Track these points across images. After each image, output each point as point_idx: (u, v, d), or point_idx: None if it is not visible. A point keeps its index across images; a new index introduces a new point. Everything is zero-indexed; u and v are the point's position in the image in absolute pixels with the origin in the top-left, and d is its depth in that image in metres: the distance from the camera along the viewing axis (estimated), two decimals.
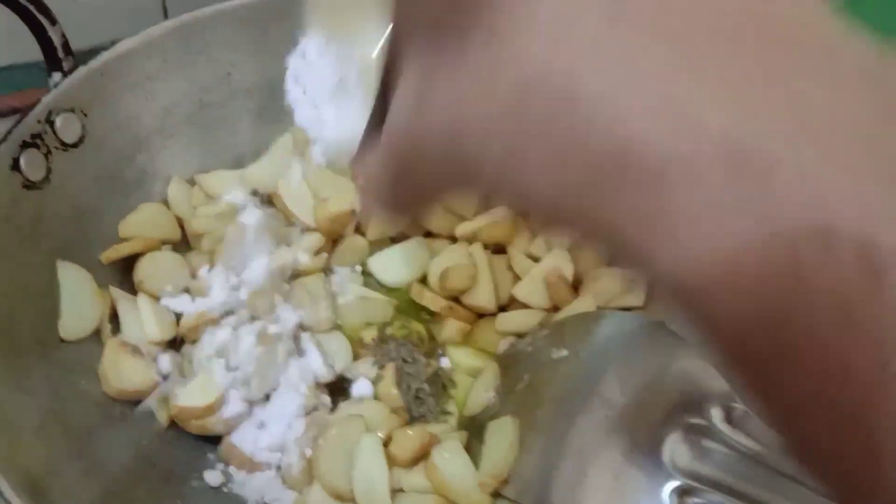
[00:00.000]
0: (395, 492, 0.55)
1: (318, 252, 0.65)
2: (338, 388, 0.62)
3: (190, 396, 0.55)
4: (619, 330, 0.57)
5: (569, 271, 0.67)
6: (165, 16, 1.04)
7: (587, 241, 0.23)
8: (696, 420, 0.46)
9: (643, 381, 0.50)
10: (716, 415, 0.46)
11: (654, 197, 0.19)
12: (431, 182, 0.26)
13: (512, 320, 0.67)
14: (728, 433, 0.45)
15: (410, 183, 0.26)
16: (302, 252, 0.64)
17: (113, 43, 0.62)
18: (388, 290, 0.70)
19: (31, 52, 0.60)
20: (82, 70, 0.59)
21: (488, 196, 0.26)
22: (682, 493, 0.45)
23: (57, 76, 0.59)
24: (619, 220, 0.20)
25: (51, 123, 0.57)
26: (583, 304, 0.63)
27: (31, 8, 0.56)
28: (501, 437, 0.54)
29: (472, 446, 0.57)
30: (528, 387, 0.58)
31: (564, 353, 0.57)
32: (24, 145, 0.55)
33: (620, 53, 0.20)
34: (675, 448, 0.46)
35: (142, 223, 0.63)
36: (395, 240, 0.71)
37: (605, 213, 0.21)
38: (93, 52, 0.61)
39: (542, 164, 0.21)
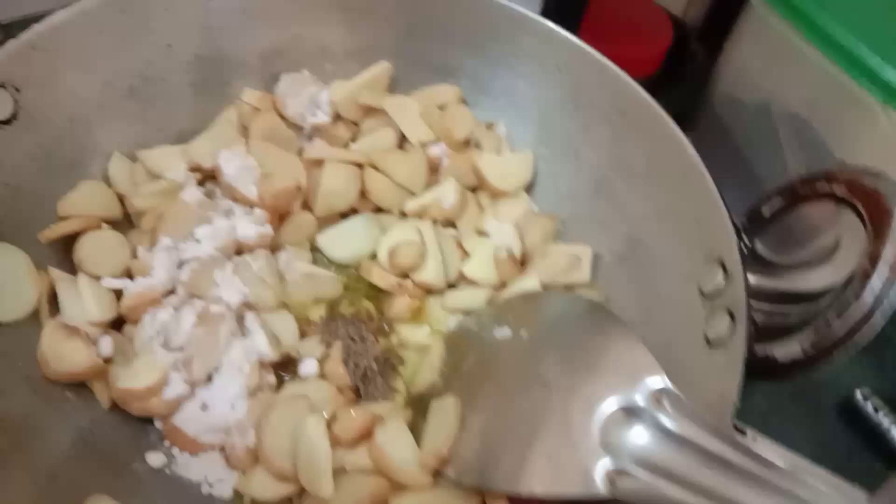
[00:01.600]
0: (338, 471, 0.55)
1: (263, 229, 0.65)
2: (284, 367, 0.62)
3: (131, 378, 0.55)
4: (561, 311, 0.57)
5: (517, 248, 0.68)
6: None
7: None
8: (629, 402, 0.47)
9: (581, 362, 0.51)
10: (647, 396, 0.47)
11: None
12: None
13: (460, 297, 0.67)
14: (660, 415, 0.46)
15: None
16: (246, 229, 0.64)
17: (44, 15, 0.59)
18: (337, 267, 0.70)
19: None
20: (12, 43, 0.57)
21: None
22: (614, 473, 0.45)
23: None
24: None
25: None
26: (528, 281, 0.64)
27: None
28: (443, 416, 0.55)
29: (418, 424, 0.58)
30: (472, 366, 0.58)
31: (507, 332, 0.58)
32: None
33: None
34: (609, 429, 0.47)
35: (81, 201, 0.61)
36: (343, 216, 0.71)
37: None
38: (24, 24, 0.58)
39: None
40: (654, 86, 0.66)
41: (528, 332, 0.56)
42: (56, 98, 0.61)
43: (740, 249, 0.56)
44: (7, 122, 0.57)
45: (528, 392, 0.52)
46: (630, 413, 0.47)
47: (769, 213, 0.60)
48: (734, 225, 0.57)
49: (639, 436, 0.46)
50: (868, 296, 0.50)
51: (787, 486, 0.42)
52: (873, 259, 0.50)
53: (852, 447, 0.73)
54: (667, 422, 0.46)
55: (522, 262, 0.68)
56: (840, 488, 0.44)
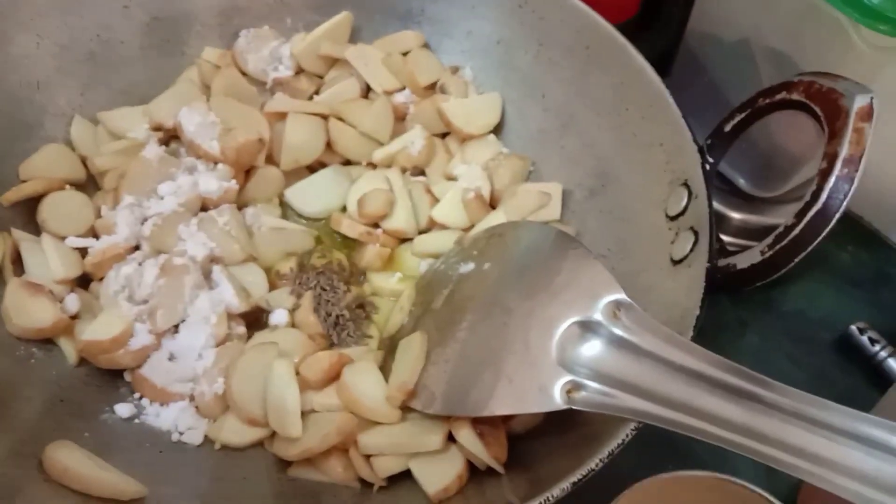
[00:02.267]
0: (308, 413, 0.55)
1: (227, 184, 0.64)
2: (256, 321, 0.62)
3: (96, 330, 0.55)
4: (521, 239, 0.57)
5: (486, 189, 0.67)
6: None
7: None
8: (585, 317, 0.46)
9: (540, 286, 0.50)
10: (604, 311, 0.46)
11: None
12: None
13: (430, 242, 0.66)
14: (615, 328, 0.45)
15: None
16: (209, 184, 0.63)
17: None
18: (307, 220, 0.70)
19: None
20: None
21: None
22: (571, 388, 0.45)
23: None
24: None
25: None
26: (495, 218, 0.63)
27: None
28: (408, 351, 0.54)
29: (388, 364, 0.57)
30: (440, 303, 0.57)
31: (471, 266, 0.57)
32: None
33: None
34: (565, 345, 0.46)
35: (44, 164, 0.61)
36: (311, 169, 0.71)
37: None
38: None
39: None
40: (633, 31, 0.65)
41: (491, 263, 0.56)
42: (12, 62, 0.61)
43: (703, 168, 0.55)
44: None
45: (490, 319, 0.51)
46: (586, 328, 0.46)
47: (730, 128, 0.58)
48: (697, 145, 0.56)
49: (593, 348, 0.45)
50: (825, 194, 0.49)
51: (749, 388, 0.41)
52: (831, 158, 0.48)
53: (850, 381, 0.71)
54: (622, 333, 0.45)
55: (493, 205, 0.67)
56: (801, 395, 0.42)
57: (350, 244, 0.68)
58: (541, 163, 0.70)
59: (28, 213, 0.60)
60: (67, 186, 0.62)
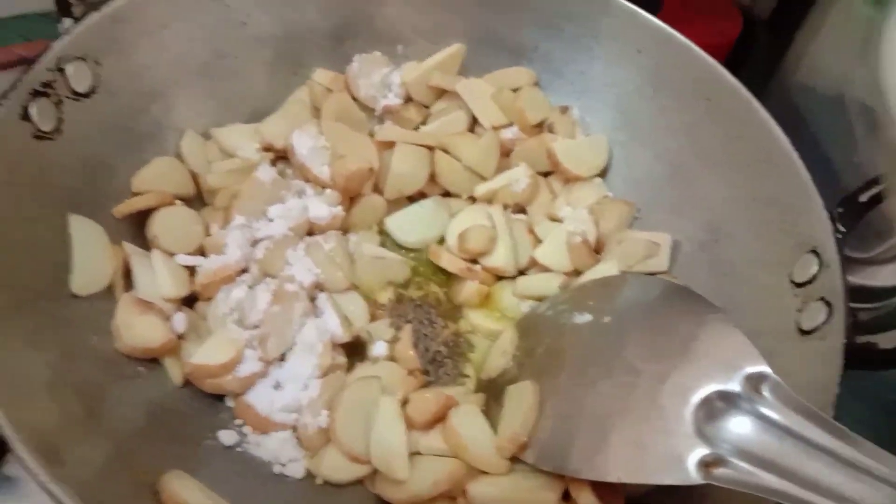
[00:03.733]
0: (412, 454, 0.54)
1: (335, 210, 0.64)
2: (353, 349, 0.61)
3: (205, 355, 0.54)
4: (643, 294, 0.55)
5: (591, 234, 0.66)
6: None
7: None
8: (725, 388, 0.45)
9: (669, 346, 0.49)
10: (744, 383, 0.45)
11: None
12: None
13: (532, 284, 0.65)
14: (758, 402, 0.44)
15: None
16: (318, 209, 0.63)
17: None
18: (405, 250, 0.69)
19: (42, 1, 0.58)
20: (94, 16, 0.57)
21: None
22: (709, 462, 0.43)
23: (67, 22, 0.57)
24: None
25: (61, 71, 0.55)
26: (606, 268, 0.62)
27: None
28: (520, 401, 0.53)
29: (490, 410, 0.56)
30: (548, 351, 0.56)
31: (587, 317, 0.56)
32: (35, 94, 0.53)
33: None
34: (704, 416, 0.45)
35: (155, 177, 0.61)
36: (412, 199, 0.70)
37: None
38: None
39: None
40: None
41: (611, 316, 0.54)
42: (133, 72, 0.61)
43: (835, 237, 0.53)
44: (87, 95, 0.57)
45: (613, 377, 0.50)
46: (725, 399, 0.45)
47: (867, 198, 0.57)
48: (828, 212, 0.55)
49: (737, 424, 0.44)
50: None
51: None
52: None
53: None
54: (767, 410, 0.44)
55: (596, 249, 0.66)
56: None
57: (446, 278, 0.67)
58: (646, 210, 0.68)
59: (137, 225, 0.60)
60: (177, 201, 0.61)
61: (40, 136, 0.54)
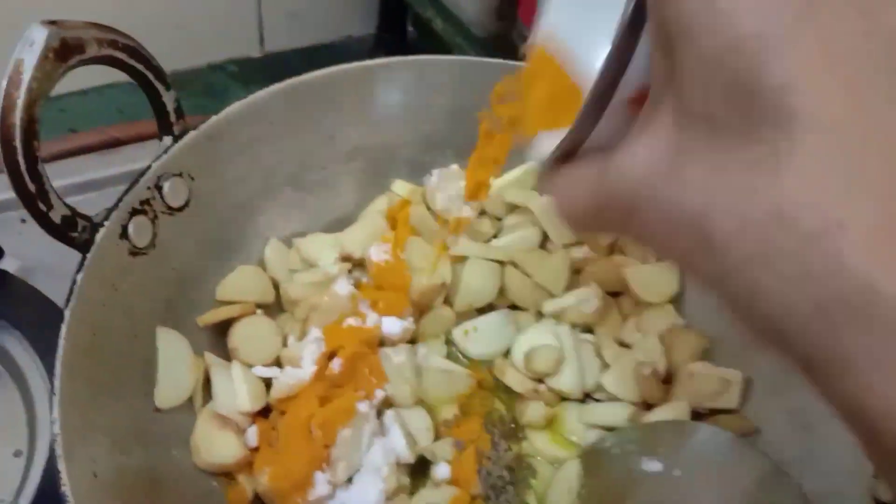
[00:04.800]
0: None
1: (407, 324, 0.65)
2: (416, 468, 0.62)
3: (280, 475, 0.55)
4: (713, 448, 0.55)
5: (661, 365, 0.66)
6: (262, 43, 1.06)
7: (790, 362, 0.25)
8: None
9: None
10: None
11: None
12: (637, 231, 0.29)
13: (599, 412, 0.65)
14: None
15: (614, 220, 0.29)
16: (392, 325, 0.64)
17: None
18: (470, 362, 0.69)
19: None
20: (192, 134, 0.60)
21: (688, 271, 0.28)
22: None
23: (167, 140, 0.59)
24: (841, 355, 0.22)
25: (159, 189, 0.58)
26: (676, 409, 0.61)
27: (148, 74, 0.57)
28: None
29: None
30: (615, 495, 0.56)
31: (658, 466, 0.55)
32: (134, 212, 0.56)
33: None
34: None
35: (239, 286, 0.63)
36: (480, 311, 0.71)
37: (828, 344, 0.23)
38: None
39: (773, 288, 0.23)
40: None
41: (681, 470, 0.54)
42: (225, 185, 0.63)
43: None
44: (181, 209, 0.60)
45: None
46: None
47: None
48: None
49: None
50: None
51: None
52: None
53: None
54: None
55: (666, 380, 0.66)
56: None
57: (510, 395, 0.68)
58: (717, 342, 0.68)
59: (216, 334, 0.62)
60: (258, 310, 0.63)
61: (136, 252, 0.56)
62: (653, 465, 0.55)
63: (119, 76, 0.55)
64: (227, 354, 0.61)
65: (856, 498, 0.53)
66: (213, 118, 0.61)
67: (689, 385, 0.64)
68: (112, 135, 0.87)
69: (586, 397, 0.67)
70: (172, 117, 0.59)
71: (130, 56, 0.55)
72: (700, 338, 0.67)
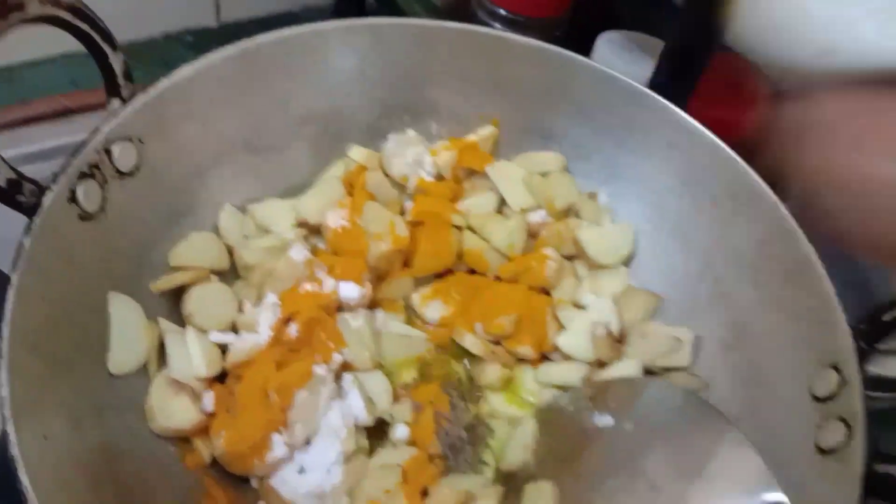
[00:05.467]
0: None
1: (365, 290, 0.65)
2: (375, 430, 0.62)
3: (236, 438, 0.55)
4: (664, 403, 0.56)
5: (615, 325, 0.67)
6: (218, 13, 1.04)
7: None
8: None
9: (688, 465, 0.50)
10: None
11: None
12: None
13: (554, 372, 0.66)
14: None
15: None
16: (349, 290, 0.64)
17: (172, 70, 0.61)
18: (429, 327, 0.70)
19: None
20: (141, 97, 0.59)
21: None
22: None
23: (115, 103, 0.58)
24: None
25: (108, 152, 0.57)
26: (629, 366, 0.63)
27: (94, 35, 0.55)
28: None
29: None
30: (569, 451, 0.57)
31: (609, 420, 0.57)
32: (82, 176, 0.55)
33: None
34: None
35: (192, 252, 0.63)
36: (439, 276, 0.71)
37: None
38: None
39: None
40: (749, 149, 0.65)
41: (632, 424, 0.55)
42: (176, 150, 0.62)
43: (858, 357, 0.54)
44: (131, 174, 0.59)
45: (633, 491, 0.51)
46: None
47: (890, 318, 0.58)
48: (851, 328, 0.55)
49: None
50: None
51: None
52: None
53: None
54: None
55: (619, 340, 0.67)
56: None
57: (469, 358, 0.68)
58: (670, 302, 0.69)
59: (171, 301, 0.61)
60: (213, 276, 0.63)
61: (85, 216, 0.55)
62: (605, 420, 0.57)
63: (72, 45, 0.53)
64: (181, 321, 0.61)
65: (800, 448, 0.55)
66: (163, 80, 0.60)
67: (641, 344, 0.65)
68: (64, 104, 0.85)
69: (543, 358, 0.68)
70: (121, 80, 0.58)
71: (75, 16, 0.53)
72: (652, 298, 0.69)
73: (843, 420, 0.53)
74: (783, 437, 0.57)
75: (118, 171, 0.58)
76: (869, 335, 0.57)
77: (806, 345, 0.58)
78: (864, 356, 0.57)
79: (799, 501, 0.49)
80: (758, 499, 0.46)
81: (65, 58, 0.94)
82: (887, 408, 0.75)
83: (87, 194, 0.55)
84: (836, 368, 0.55)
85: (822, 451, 0.53)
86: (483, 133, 0.72)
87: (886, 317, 0.57)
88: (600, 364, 0.65)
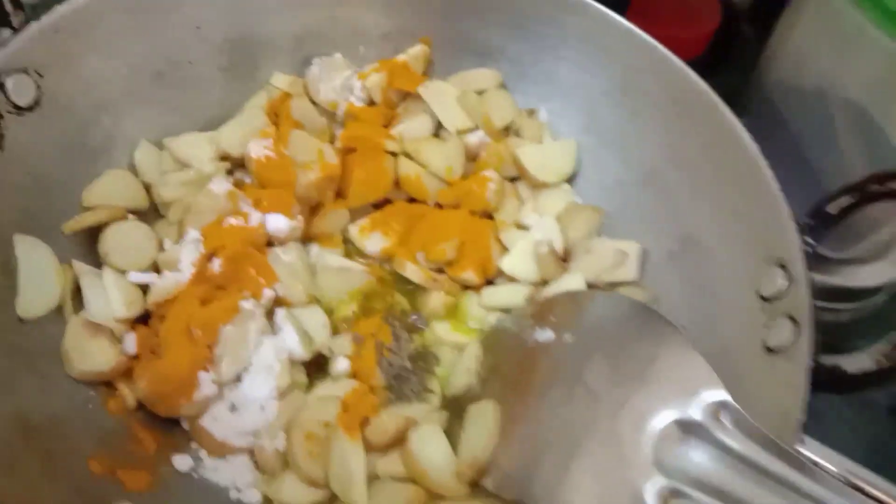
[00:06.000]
0: (370, 477, 0.52)
1: (295, 222, 0.62)
2: (315, 366, 0.60)
3: (160, 378, 0.53)
4: (607, 313, 0.54)
5: (559, 242, 0.64)
6: None
7: None
8: (685, 416, 0.44)
9: (629, 370, 0.48)
10: (705, 410, 0.44)
11: None
12: None
13: (498, 295, 0.64)
14: (718, 432, 0.43)
15: None
16: (277, 221, 0.61)
17: None
18: (369, 259, 0.67)
19: None
20: (34, 26, 0.55)
21: None
22: (667, 492, 0.42)
23: (6, 33, 0.54)
24: None
25: (1, 85, 0.53)
26: (572, 280, 0.60)
27: None
28: (481, 423, 0.52)
29: (454, 429, 0.55)
30: (512, 370, 0.55)
31: (550, 335, 0.54)
32: None
33: None
34: (661, 445, 0.44)
35: (107, 191, 0.59)
36: (377, 206, 0.68)
37: None
38: (45, 6, 0.56)
39: None
40: (701, 69, 0.62)
41: (573, 336, 0.53)
42: (80, 83, 0.58)
43: (804, 251, 0.52)
44: (30, 108, 0.55)
45: (573, 401, 0.49)
46: (685, 428, 0.44)
47: (835, 211, 0.56)
48: (798, 224, 0.53)
49: (696, 454, 0.43)
50: None
51: None
52: None
53: None
54: (726, 439, 0.42)
55: (564, 258, 0.65)
56: None
57: (412, 288, 0.66)
58: (615, 216, 0.67)
59: (89, 242, 0.58)
60: (130, 216, 0.59)
61: None
62: (545, 335, 0.54)
63: None
64: (97, 263, 0.57)
65: (748, 351, 0.53)
66: (58, 7, 0.56)
67: (586, 260, 0.63)
68: None
69: (486, 283, 0.66)
70: (8, 6, 0.54)
71: None
72: (597, 213, 0.66)
73: (791, 317, 0.51)
74: (733, 341, 0.55)
75: (15, 106, 0.54)
76: (815, 229, 0.55)
77: (753, 245, 0.56)
78: (815, 255, 0.56)
79: (749, 401, 0.47)
80: (699, 398, 0.44)
81: None
82: (847, 320, 0.74)
83: None
84: (782, 267, 0.53)
85: (770, 351, 0.51)
86: (413, 52, 0.69)
87: (831, 208, 0.55)
88: (545, 284, 0.63)
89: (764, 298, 0.54)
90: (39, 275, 0.53)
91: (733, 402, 0.44)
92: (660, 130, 0.64)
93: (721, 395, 0.44)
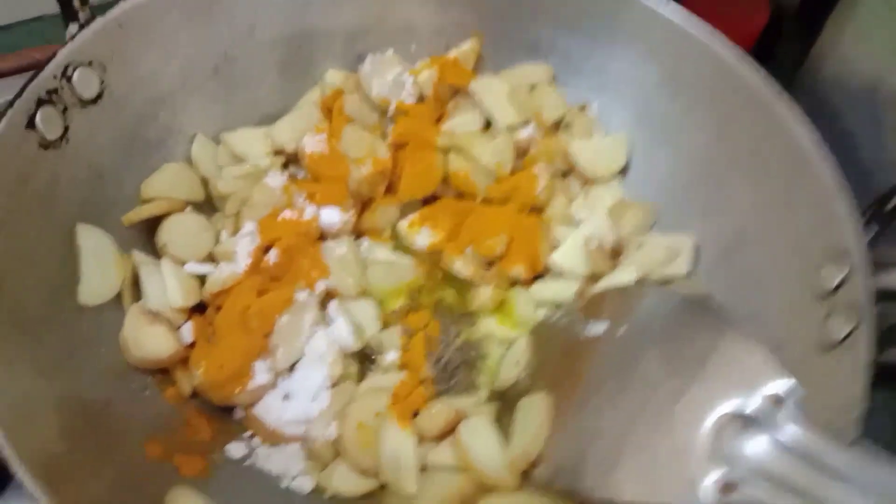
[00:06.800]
0: (423, 468, 0.53)
1: (347, 216, 0.63)
2: (365, 357, 0.60)
3: (216, 367, 0.53)
4: (660, 306, 0.53)
5: (609, 239, 0.64)
6: None
7: None
8: (744, 409, 0.43)
9: (686, 362, 0.47)
10: (765, 402, 0.43)
11: None
12: None
13: (547, 290, 0.64)
14: (777, 422, 0.42)
15: None
16: (330, 215, 0.62)
17: None
18: (418, 253, 0.67)
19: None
20: (99, 21, 0.56)
21: None
22: (724, 484, 0.42)
23: (73, 28, 0.56)
24: None
25: (68, 78, 0.55)
26: (623, 274, 0.60)
27: None
28: (532, 415, 0.52)
29: (504, 421, 0.55)
30: (562, 363, 0.55)
31: (602, 328, 0.54)
32: (40, 102, 0.53)
33: None
34: (720, 436, 0.43)
35: (165, 183, 0.60)
36: (426, 202, 0.68)
37: None
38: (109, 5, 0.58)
39: None
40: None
41: (626, 329, 0.52)
42: (141, 77, 0.60)
43: (863, 244, 0.51)
44: (93, 101, 0.57)
45: (628, 393, 0.48)
46: (744, 419, 0.43)
47: (891, 207, 0.54)
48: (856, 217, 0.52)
49: (755, 445, 0.42)
50: None
51: None
52: None
53: None
54: (786, 431, 0.41)
55: (615, 253, 0.64)
56: None
57: (461, 283, 0.66)
58: (667, 212, 0.66)
59: (147, 233, 0.59)
60: (187, 208, 0.61)
61: (46, 144, 0.53)
62: (596, 328, 0.54)
63: (47, 6, 0.51)
64: (154, 253, 0.59)
65: (803, 347, 0.52)
66: (122, 4, 0.57)
67: (637, 255, 0.62)
68: (34, 56, 0.83)
69: (535, 279, 0.65)
70: (76, 3, 0.56)
71: None
72: (648, 209, 0.65)
73: (851, 310, 0.50)
74: (788, 336, 0.53)
75: (79, 99, 0.56)
76: (873, 224, 0.54)
77: (810, 240, 0.55)
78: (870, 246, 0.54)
79: (808, 399, 0.46)
80: (759, 390, 0.43)
81: (37, 21, 0.91)
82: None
83: (47, 121, 0.53)
84: (840, 259, 0.52)
85: (829, 347, 0.50)
86: (464, 48, 0.69)
87: (890, 205, 0.54)
88: (596, 279, 0.62)
89: (822, 293, 0.53)
90: (100, 264, 0.55)
91: (798, 391, 0.43)
92: (712, 124, 0.63)
93: (782, 385, 0.43)
